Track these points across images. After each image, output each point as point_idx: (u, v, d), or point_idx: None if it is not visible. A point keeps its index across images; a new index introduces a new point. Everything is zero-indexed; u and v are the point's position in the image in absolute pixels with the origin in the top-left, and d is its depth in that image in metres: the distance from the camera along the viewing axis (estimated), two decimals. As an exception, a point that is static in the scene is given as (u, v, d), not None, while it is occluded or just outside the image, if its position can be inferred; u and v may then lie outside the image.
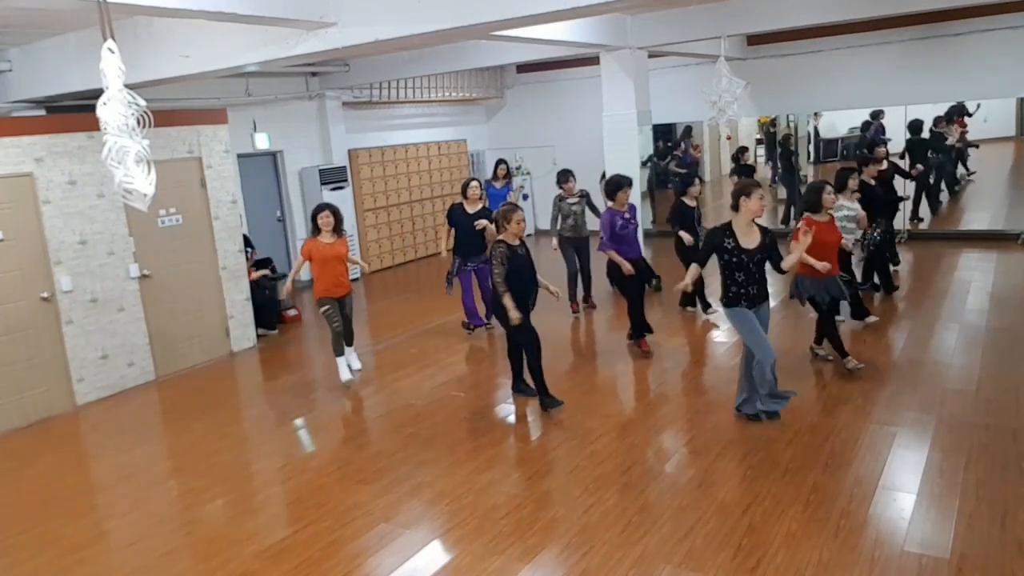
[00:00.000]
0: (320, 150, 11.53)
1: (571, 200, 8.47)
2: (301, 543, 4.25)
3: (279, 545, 4.25)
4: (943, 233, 11.19)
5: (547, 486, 4.68)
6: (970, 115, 11.34)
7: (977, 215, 11.61)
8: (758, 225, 5.09)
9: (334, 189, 11.13)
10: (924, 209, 11.53)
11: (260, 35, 5.44)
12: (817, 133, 12.50)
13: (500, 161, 10.56)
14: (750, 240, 5.02)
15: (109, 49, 3.23)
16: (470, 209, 7.85)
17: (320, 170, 10.99)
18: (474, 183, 7.97)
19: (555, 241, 8.50)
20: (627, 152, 9.31)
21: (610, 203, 7.12)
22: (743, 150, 11.58)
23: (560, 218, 8.47)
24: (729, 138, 13.72)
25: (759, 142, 14.04)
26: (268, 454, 5.62)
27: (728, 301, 5.11)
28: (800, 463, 4.68)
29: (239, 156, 9.85)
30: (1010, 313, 7.29)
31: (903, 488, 4.31)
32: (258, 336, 8.55)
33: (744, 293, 5.03)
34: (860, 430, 5.08)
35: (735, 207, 5.05)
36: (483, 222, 7.59)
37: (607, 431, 5.44)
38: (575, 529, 4.14)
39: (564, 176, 8.55)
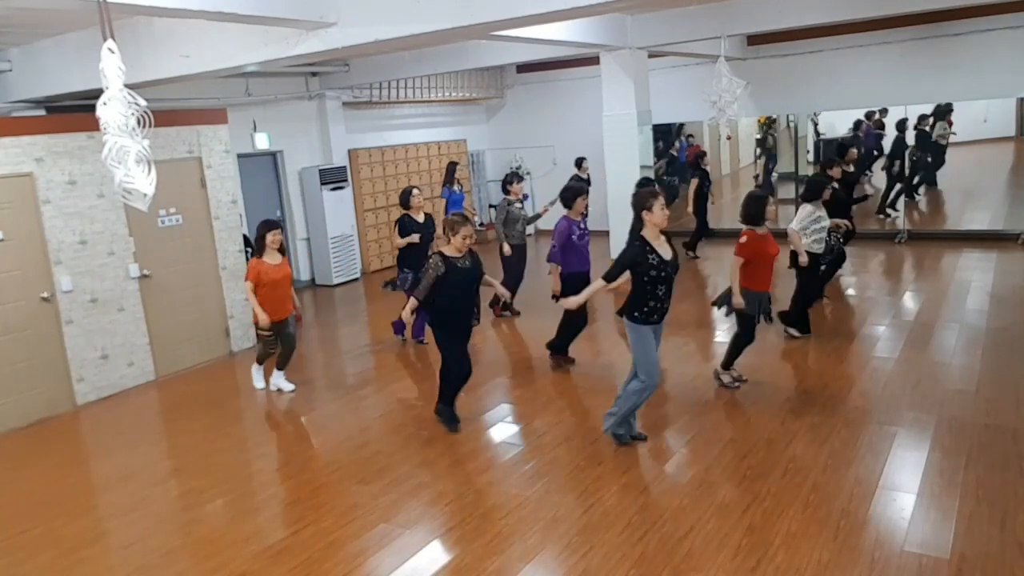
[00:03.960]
0: (320, 150, 11.53)
1: (519, 204, 8.35)
2: (301, 543, 4.25)
3: (279, 545, 4.25)
4: (943, 233, 11.20)
5: (547, 486, 4.68)
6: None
7: (977, 215, 11.59)
8: (664, 235, 4.86)
9: (334, 189, 11.14)
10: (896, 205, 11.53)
11: (260, 35, 5.44)
12: (817, 134, 12.50)
13: (453, 164, 10.64)
14: (666, 251, 4.78)
15: (109, 49, 3.23)
16: (419, 219, 7.59)
17: (320, 170, 10.98)
18: (416, 191, 7.66)
19: (507, 248, 8.25)
20: (627, 152, 9.31)
21: (567, 211, 6.62)
22: (702, 155, 10.85)
23: (508, 223, 8.25)
24: (729, 138, 13.72)
25: (759, 142, 14.04)
26: (268, 454, 5.62)
27: (641, 317, 4.79)
28: (800, 463, 4.68)
29: (239, 156, 9.85)
30: (1010, 313, 7.29)
31: (903, 488, 4.31)
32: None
33: (658, 308, 4.78)
34: (860, 430, 5.08)
35: (639, 219, 4.79)
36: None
37: (607, 431, 5.44)
38: (575, 529, 4.14)
39: (513, 179, 8.35)
